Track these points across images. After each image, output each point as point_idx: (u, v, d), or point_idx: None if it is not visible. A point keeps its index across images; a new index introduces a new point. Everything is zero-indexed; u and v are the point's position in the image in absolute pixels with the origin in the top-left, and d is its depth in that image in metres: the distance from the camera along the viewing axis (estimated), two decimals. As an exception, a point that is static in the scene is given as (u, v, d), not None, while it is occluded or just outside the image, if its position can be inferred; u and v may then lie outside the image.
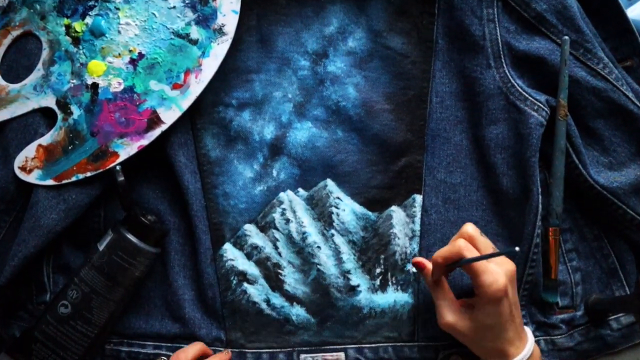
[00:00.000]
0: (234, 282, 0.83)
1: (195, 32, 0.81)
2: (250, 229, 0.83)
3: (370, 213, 0.84)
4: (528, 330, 0.77)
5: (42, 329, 0.80)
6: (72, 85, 0.81)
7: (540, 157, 0.83)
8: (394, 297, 0.84)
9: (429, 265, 0.77)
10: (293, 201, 0.84)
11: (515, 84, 0.83)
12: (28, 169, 0.81)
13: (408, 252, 0.84)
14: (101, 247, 0.80)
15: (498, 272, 0.72)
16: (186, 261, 0.84)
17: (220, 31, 0.81)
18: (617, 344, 0.85)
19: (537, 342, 0.83)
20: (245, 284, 0.83)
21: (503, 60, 0.83)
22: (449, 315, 0.76)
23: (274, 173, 0.84)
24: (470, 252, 0.73)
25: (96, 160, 0.81)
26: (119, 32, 0.81)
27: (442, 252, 0.75)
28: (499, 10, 0.83)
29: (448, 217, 0.85)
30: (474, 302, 0.75)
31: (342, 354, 0.84)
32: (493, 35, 0.83)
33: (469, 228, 0.76)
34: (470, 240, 0.75)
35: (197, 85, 0.81)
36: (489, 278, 0.72)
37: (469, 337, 0.75)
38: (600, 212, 0.86)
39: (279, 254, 0.83)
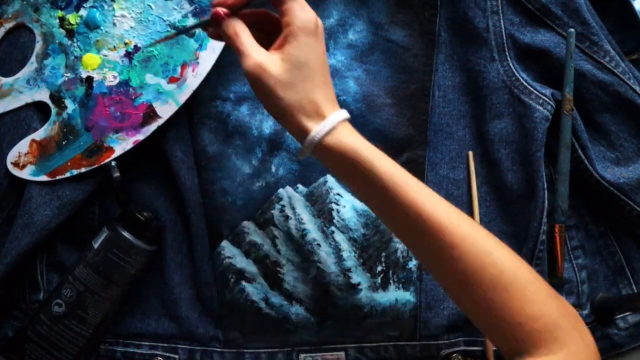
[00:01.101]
0: (232, 280, 0.83)
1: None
2: (248, 226, 0.83)
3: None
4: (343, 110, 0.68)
5: (36, 328, 0.79)
6: (66, 78, 0.81)
7: (546, 153, 0.83)
8: (395, 295, 0.83)
9: (220, 10, 0.67)
10: (292, 197, 0.83)
11: (520, 78, 0.83)
12: (21, 164, 0.81)
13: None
14: (96, 245, 0.80)
15: (307, 5, 0.66)
16: (183, 259, 0.84)
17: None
18: (624, 344, 0.85)
19: None
20: (244, 283, 0.83)
21: (507, 53, 0.83)
22: (257, 53, 0.65)
23: (273, 169, 0.83)
24: None
25: (91, 155, 0.81)
26: (114, 24, 0.81)
27: None
28: (503, 1, 0.83)
29: None
30: (284, 39, 0.65)
31: (342, 354, 0.84)
32: (497, 27, 0.83)
33: None
34: None
35: (194, 78, 0.81)
36: (298, 5, 0.65)
37: (281, 81, 0.64)
38: (606, 208, 0.85)
39: (278, 251, 0.83)
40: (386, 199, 0.64)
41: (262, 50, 0.66)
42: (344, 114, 0.66)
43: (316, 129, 0.65)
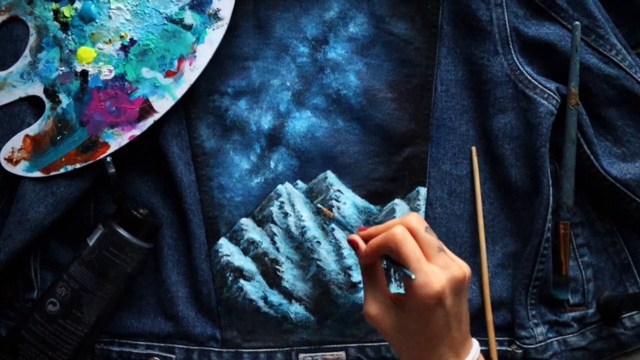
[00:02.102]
0: (230, 278, 0.83)
1: (189, 17, 0.81)
2: (246, 223, 0.83)
3: (372, 206, 0.84)
4: (474, 344, 0.67)
5: (30, 327, 0.79)
6: (61, 72, 0.81)
7: (551, 148, 0.83)
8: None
9: (363, 245, 0.68)
10: (291, 194, 0.83)
11: (524, 72, 0.83)
12: (14, 160, 0.80)
13: (412, 247, 0.83)
14: (91, 242, 0.79)
15: (435, 274, 0.63)
16: (180, 257, 0.83)
17: (215, 16, 0.80)
18: (631, 343, 0.84)
19: (550, 344, 0.83)
20: (242, 281, 0.82)
21: (511, 47, 0.83)
22: (374, 306, 0.67)
23: (272, 165, 0.83)
24: (406, 245, 0.64)
25: (86, 151, 0.80)
26: (110, 17, 0.81)
27: (376, 240, 0.66)
28: (507, -7, 0.83)
29: (454, 210, 0.84)
30: (403, 300, 0.66)
31: (342, 353, 0.83)
32: (501, 20, 0.83)
33: (413, 219, 0.65)
34: (411, 232, 0.65)
35: (192, 72, 0.80)
36: (421, 278, 0.62)
37: (391, 337, 0.67)
38: (612, 205, 0.85)
39: (277, 249, 0.83)
40: None
41: (380, 301, 0.67)
42: None
43: None
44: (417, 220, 0.65)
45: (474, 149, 0.84)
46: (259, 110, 0.83)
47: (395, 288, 0.83)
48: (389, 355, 0.83)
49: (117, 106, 0.80)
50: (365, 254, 0.67)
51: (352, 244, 0.69)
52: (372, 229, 0.68)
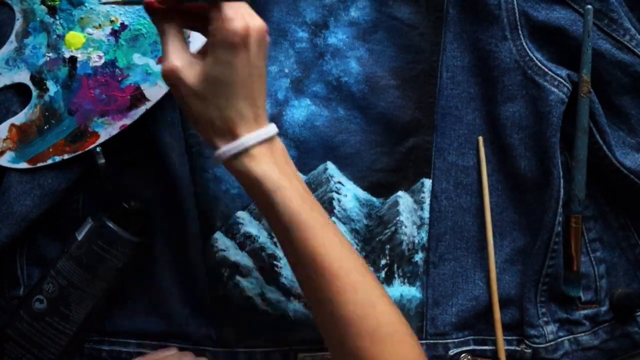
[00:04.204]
0: (226, 274, 0.82)
1: (182, 1, 0.81)
2: (243, 216, 0.82)
3: (374, 199, 0.83)
4: (272, 125, 0.68)
5: (15, 326, 0.79)
6: (48, 59, 0.80)
7: (561, 138, 0.82)
8: (401, 290, 0.83)
9: None
10: None
11: (534, 58, 0.82)
12: (0, 150, 0.80)
13: (416, 241, 0.83)
14: (80, 237, 0.79)
15: (243, 13, 0.64)
16: (173, 252, 0.83)
17: (210, 0, 0.80)
18: None
19: (561, 343, 0.83)
20: (238, 277, 0.82)
21: (520, 32, 0.82)
22: (177, 58, 0.65)
23: None
24: None
25: (74, 141, 0.80)
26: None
27: None
28: (515, -24, 0.84)
29: (460, 203, 0.84)
30: (207, 47, 0.66)
31: None
32: (509, 3, 0.82)
33: None
34: None
35: None
36: (229, 13, 0.64)
37: (194, 92, 0.65)
38: (626, 197, 0.85)
39: (275, 243, 0.82)
40: (284, 234, 0.67)
41: (183, 54, 0.66)
42: (263, 134, 0.67)
43: (223, 149, 0.66)
44: None
45: (480, 139, 0.83)
46: (256, 98, 0.83)
47: None
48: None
49: (107, 94, 0.80)
50: None
51: (148, 6, 0.67)
52: None
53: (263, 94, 0.68)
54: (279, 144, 0.68)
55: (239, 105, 0.66)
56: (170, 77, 0.66)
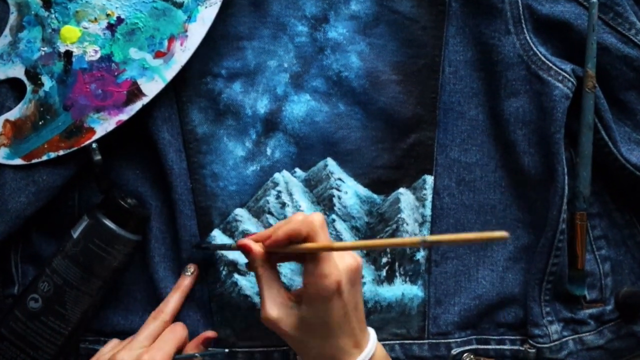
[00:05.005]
0: (224, 273, 0.82)
1: (180, -6, 0.81)
2: (241, 213, 0.82)
3: (375, 196, 0.83)
4: (372, 334, 0.73)
5: (10, 325, 0.79)
6: (43, 53, 0.80)
7: (566, 134, 0.82)
8: (402, 289, 0.82)
9: (255, 247, 0.71)
10: (289, 183, 0.82)
11: (538, 52, 0.82)
12: None
13: (418, 239, 0.83)
14: (75, 234, 0.79)
15: (335, 264, 0.67)
16: (169, 250, 0.82)
17: (208, -7, 0.81)
18: None
19: (565, 343, 0.82)
20: (236, 275, 0.81)
21: (524, 26, 0.82)
22: (274, 309, 0.70)
23: (268, 151, 0.82)
24: (325, 232, 0.69)
25: (70, 137, 0.79)
26: None
27: (284, 228, 0.69)
28: (519, -31, 0.84)
29: (462, 200, 0.83)
30: (301, 296, 0.70)
31: None
32: None
33: (318, 216, 0.69)
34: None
35: (183, 53, 0.80)
36: (324, 269, 0.67)
37: (293, 337, 0.70)
38: (632, 194, 0.85)
39: None
40: None
41: (280, 300, 0.70)
42: (365, 356, 0.70)
43: None
44: (321, 218, 0.69)
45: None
46: (255, 94, 0.82)
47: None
48: (394, 355, 0.82)
49: (103, 89, 0.79)
50: (271, 243, 0.70)
51: (244, 248, 0.71)
52: (260, 232, 0.72)
53: (361, 321, 0.71)
54: (381, 351, 0.72)
55: (336, 343, 0.69)
56: (270, 325, 0.70)
